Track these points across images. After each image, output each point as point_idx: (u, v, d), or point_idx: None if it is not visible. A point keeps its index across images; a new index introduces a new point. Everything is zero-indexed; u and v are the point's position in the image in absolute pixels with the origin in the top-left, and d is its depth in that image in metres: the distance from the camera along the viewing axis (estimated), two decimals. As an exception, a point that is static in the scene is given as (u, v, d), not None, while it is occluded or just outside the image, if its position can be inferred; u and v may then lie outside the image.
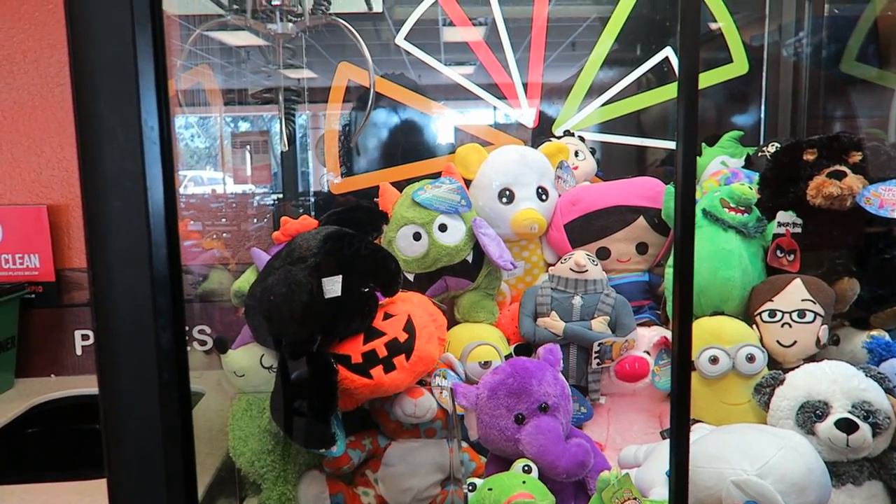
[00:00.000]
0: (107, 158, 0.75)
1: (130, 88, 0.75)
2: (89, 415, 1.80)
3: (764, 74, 2.00)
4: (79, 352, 1.95)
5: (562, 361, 1.33)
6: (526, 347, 1.50)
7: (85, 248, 0.76)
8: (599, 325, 1.43)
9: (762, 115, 2.02)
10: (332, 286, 1.19)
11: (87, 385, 1.87)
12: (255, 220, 2.05)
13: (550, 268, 1.56)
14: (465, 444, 1.40)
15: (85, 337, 1.94)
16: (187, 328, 1.85)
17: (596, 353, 1.40)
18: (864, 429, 1.12)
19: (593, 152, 1.85)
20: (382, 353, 1.24)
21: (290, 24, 1.44)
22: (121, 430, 0.81)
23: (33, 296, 1.91)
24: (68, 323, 1.94)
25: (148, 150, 0.76)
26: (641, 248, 1.57)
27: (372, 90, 1.72)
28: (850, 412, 1.14)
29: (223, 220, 2.03)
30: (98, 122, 0.76)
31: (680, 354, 0.88)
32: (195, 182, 2.16)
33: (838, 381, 1.17)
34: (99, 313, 0.77)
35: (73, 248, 1.94)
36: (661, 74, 1.93)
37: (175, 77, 1.70)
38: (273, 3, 1.35)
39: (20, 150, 1.90)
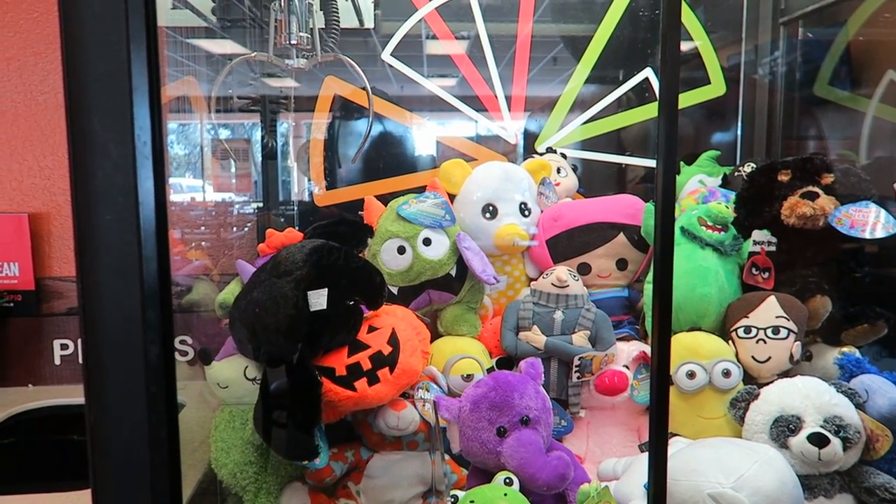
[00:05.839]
0: (99, 172, 0.76)
1: (124, 104, 0.76)
2: (68, 425, 1.79)
3: (741, 95, 2.05)
4: (57, 361, 1.93)
5: (543, 375, 1.35)
6: (507, 361, 1.52)
7: (75, 260, 0.77)
8: (580, 339, 1.46)
9: (738, 135, 2.07)
10: (318, 299, 1.20)
11: (65, 395, 1.85)
12: (235, 229, 2.05)
13: (532, 282, 1.58)
14: (447, 457, 1.41)
15: (64, 346, 1.92)
16: (169, 339, 1.84)
17: (576, 367, 1.43)
18: (836, 443, 1.16)
19: (575, 169, 1.88)
20: (367, 365, 1.25)
21: (304, 60, 1.62)
22: (108, 442, 0.81)
23: (12, 304, 1.89)
24: (47, 332, 1.92)
25: (140, 165, 0.77)
26: (621, 264, 1.60)
27: (371, 114, 1.78)
28: (821, 427, 1.17)
29: (202, 228, 2.03)
30: (91, 137, 0.76)
31: (659, 367, 0.91)
32: (174, 189, 2.16)
33: (811, 397, 1.21)
34: (88, 326, 0.77)
35: (53, 257, 1.93)
36: (641, 94, 1.98)
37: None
38: (291, 42, 1.55)
39: (2, 158, 1.89)
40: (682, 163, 1.90)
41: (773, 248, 1.47)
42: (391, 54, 1.89)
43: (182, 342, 1.83)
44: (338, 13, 1.68)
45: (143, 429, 0.80)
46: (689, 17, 1.92)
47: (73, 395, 1.85)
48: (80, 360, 1.91)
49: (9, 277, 1.88)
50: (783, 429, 1.20)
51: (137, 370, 0.79)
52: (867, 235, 1.34)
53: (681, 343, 1.39)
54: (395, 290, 1.50)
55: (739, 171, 1.77)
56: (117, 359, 0.79)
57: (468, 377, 1.42)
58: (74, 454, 1.74)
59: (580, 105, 1.97)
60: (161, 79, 0.81)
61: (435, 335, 1.54)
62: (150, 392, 0.80)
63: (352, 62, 1.71)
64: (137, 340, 0.78)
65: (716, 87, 1.95)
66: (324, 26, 1.68)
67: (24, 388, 1.91)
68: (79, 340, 1.91)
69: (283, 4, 1.50)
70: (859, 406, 1.23)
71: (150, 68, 0.77)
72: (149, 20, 0.76)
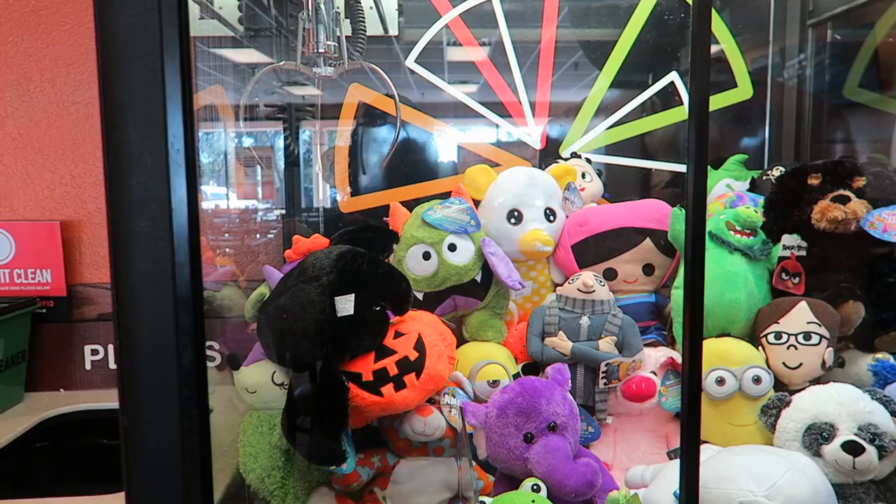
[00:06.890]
0: (134, 181, 0.77)
1: (158, 114, 0.77)
2: (98, 429, 1.81)
3: (768, 98, 2.03)
4: (88, 367, 1.96)
5: (569, 381, 1.35)
6: (533, 366, 1.51)
7: (110, 266, 0.78)
8: (606, 345, 1.45)
9: (766, 138, 2.05)
10: (345, 305, 1.21)
11: (95, 400, 1.88)
12: (258, 236, 2.07)
13: (558, 288, 1.57)
14: (473, 463, 1.40)
15: (94, 352, 1.95)
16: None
17: (603, 373, 1.42)
18: (871, 451, 1.13)
19: (599, 174, 1.87)
20: (393, 371, 1.25)
21: (331, 69, 1.63)
22: (141, 445, 0.82)
23: (44, 310, 1.92)
24: (78, 338, 1.95)
25: (174, 173, 0.78)
26: (648, 269, 1.59)
27: (398, 122, 1.80)
28: (856, 434, 1.15)
29: (226, 235, 2.05)
30: (126, 146, 0.77)
31: (691, 373, 0.90)
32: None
33: (844, 404, 1.19)
34: (122, 330, 0.79)
35: (84, 264, 1.96)
36: (666, 98, 1.96)
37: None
38: (319, 51, 1.56)
39: (34, 167, 1.93)
40: (709, 167, 1.88)
41: (803, 253, 1.45)
42: (414, 61, 1.90)
43: (209, 347, 1.84)
44: (364, 22, 1.69)
45: (175, 433, 0.81)
46: (715, 20, 1.90)
47: (103, 399, 1.88)
48: (111, 366, 1.95)
49: (41, 284, 1.92)
50: (816, 436, 1.18)
51: (170, 375, 0.80)
52: (901, 239, 1.31)
53: (710, 349, 1.37)
54: (420, 296, 1.50)
55: (768, 174, 1.75)
56: (151, 363, 0.80)
57: (494, 383, 1.42)
58: (105, 458, 1.77)
59: (604, 110, 1.96)
60: (193, 89, 0.82)
61: (460, 341, 1.54)
62: (182, 396, 0.81)
63: (380, 71, 1.72)
64: (170, 345, 0.79)
65: (743, 91, 1.93)
66: (350, 34, 1.70)
67: (56, 393, 1.95)
68: (109, 346, 1.95)
69: (310, 14, 1.52)
70: (894, 413, 1.20)
71: (183, 78, 0.78)
72: (181, 30, 0.78)
